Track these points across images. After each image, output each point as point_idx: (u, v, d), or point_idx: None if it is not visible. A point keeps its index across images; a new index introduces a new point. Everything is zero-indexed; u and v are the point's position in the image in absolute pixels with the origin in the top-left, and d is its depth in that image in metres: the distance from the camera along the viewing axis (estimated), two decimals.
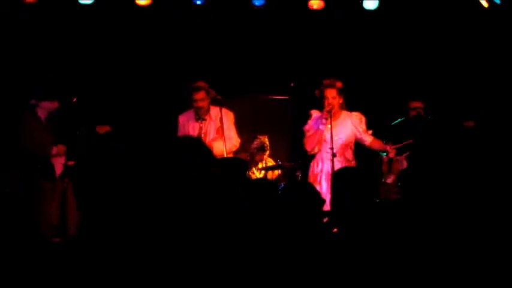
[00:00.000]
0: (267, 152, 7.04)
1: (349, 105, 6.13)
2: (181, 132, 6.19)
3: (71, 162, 5.71)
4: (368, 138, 5.95)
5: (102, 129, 5.89)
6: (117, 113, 6.80)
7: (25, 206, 5.62)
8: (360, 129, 5.95)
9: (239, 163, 4.65)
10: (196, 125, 6.13)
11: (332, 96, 5.80)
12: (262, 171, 6.95)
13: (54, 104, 5.76)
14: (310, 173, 5.99)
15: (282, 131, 7.54)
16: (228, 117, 6.15)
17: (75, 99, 5.92)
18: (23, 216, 5.56)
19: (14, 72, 6.79)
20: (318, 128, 5.84)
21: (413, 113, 6.35)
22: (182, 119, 6.21)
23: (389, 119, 6.76)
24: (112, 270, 2.23)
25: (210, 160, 2.29)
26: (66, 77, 6.38)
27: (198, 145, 2.26)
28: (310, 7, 6.97)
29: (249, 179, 6.30)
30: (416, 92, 6.51)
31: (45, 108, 5.76)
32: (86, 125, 5.91)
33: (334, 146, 5.68)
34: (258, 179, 6.65)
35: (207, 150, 2.33)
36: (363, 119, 5.99)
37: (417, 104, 6.35)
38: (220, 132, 6.06)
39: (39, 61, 6.78)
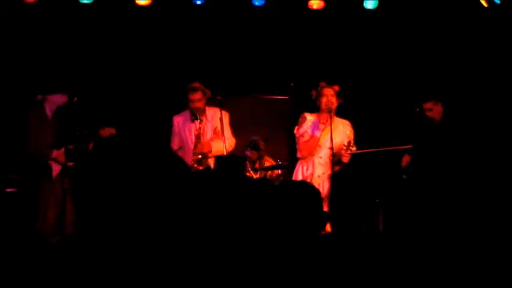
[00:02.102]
0: (255, 152, 6.99)
1: (349, 106, 6.12)
2: (176, 133, 6.20)
3: (70, 164, 5.68)
4: (347, 151, 5.88)
5: (106, 132, 5.85)
6: (116, 113, 6.80)
7: (23, 207, 5.60)
8: (346, 141, 5.92)
9: (236, 160, 4.67)
10: (193, 126, 6.14)
11: (331, 94, 5.80)
12: (261, 172, 6.94)
13: (64, 98, 5.70)
14: (297, 176, 5.94)
15: (281, 131, 7.54)
16: (224, 118, 6.16)
17: (75, 99, 5.88)
18: (21, 217, 5.56)
19: (15, 72, 6.79)
20: (314, 135, 5.84)
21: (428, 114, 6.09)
22: (177, 120, 6.22)
23: (389, 119, 6.77)
24: (109, 270, 2.23)
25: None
26: (66, 75, 6.38)
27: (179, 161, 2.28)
28: (310, 7, 6.97)
29: (246, 176, 6.31)
30: (415, 93, 6.49)
31: (54, 102, 5.69)
32: (87, 125, 5.89)
33: (327, 150, 5.71)
34: (257, 179, 6.67)
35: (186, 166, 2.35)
36: (352, 131, 5.97)
37: (428, 106, 6.13)
38: (217, 133, 6.08)
39: (39, 60, 6.77)
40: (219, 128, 6.10)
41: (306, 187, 3.04)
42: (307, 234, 2.79)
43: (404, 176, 6.03)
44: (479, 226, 5.41)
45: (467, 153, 5.84)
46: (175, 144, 6.19)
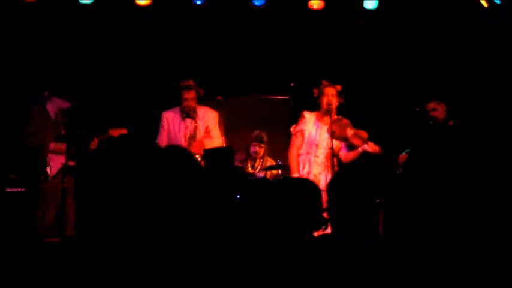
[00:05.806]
0: (263, 146, 6.99)
1: (349, 106, 6.13)
2: (165, 129, 6.16)
3: (71, 163, 5.67)
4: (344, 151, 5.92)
5: (116, 132, 5.82)
6: (116, 113, 6.80)
7: (21, 205, 5.60)
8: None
9: (226, 152, 4.72)
10: (183, 124, 6.13)
11: (332, 94, 5.83)
12: (261, 170, 6.93)
13: (66, 104, 5.71)
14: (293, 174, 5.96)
15: (281, 131, 7.54)
16: (214, 118, 6.15)
17: (75, 100, 5.89)
18: (21, 217, 5.55)
19: (13, 72, 6.80)
20: (314, 136, 5.87)
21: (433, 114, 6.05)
22: (167, 115, 6.19)
23: (390, 119, 6.77)
24: (110, 271, 2.23)
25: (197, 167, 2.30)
26: (66, 75, 6.38)
27: (185, 154, 2.28)
28: (310, 7, 6.98)
29: (237, 167, 6.30)
30: (415, 93, 6.49)
31: (56, 104, 5.70)
32: (87, 125, 5.88)
33: (324, 150, 5.73)
34: (257, 179, 6.66)
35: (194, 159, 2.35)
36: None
37: (431, 106, 6.09)
38: (208, 132, 6.10)
39: (39, 60, 6.77)
40: (210, 126, 6.11)
41: (306, 184, 3.03)
42: (303, 233, 2.77)
43: (400, 170, 6.01)
44: (481, 227, 5.41)
45: (470, 153, 5.82)
46: (163, 140, 6.13)
